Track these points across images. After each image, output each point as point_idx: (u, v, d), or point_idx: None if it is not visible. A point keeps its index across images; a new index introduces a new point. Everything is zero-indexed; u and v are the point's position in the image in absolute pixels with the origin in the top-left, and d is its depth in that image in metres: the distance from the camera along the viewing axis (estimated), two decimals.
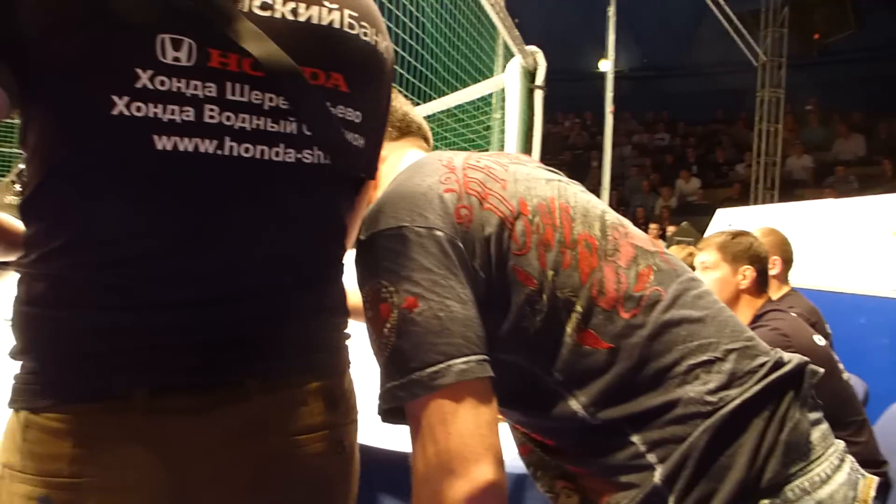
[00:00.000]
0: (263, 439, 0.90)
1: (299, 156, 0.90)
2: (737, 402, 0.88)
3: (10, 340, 0.86)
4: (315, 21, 0.90)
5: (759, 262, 2.46)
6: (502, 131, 3.85)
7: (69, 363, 0.83)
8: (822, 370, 0.97)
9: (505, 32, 3.27)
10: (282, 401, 0.92)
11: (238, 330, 0.89)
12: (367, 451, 1.08)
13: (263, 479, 0.89)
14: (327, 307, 1.01)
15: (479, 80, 4.22)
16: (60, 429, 0.81)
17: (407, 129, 1.30)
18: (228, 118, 0.83)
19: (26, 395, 0.83)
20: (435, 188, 0.95)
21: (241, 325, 0.89)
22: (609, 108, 8.70)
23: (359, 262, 0.95)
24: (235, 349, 0.88)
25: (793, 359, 0.95)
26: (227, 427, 0.87)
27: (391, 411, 0.90)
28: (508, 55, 3.81)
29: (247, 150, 0.85)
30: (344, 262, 1.05)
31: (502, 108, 3.99)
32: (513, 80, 3.43)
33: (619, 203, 14.61)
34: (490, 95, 4.52)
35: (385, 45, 1.02)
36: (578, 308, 0.93)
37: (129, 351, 0.83)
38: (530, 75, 3.54)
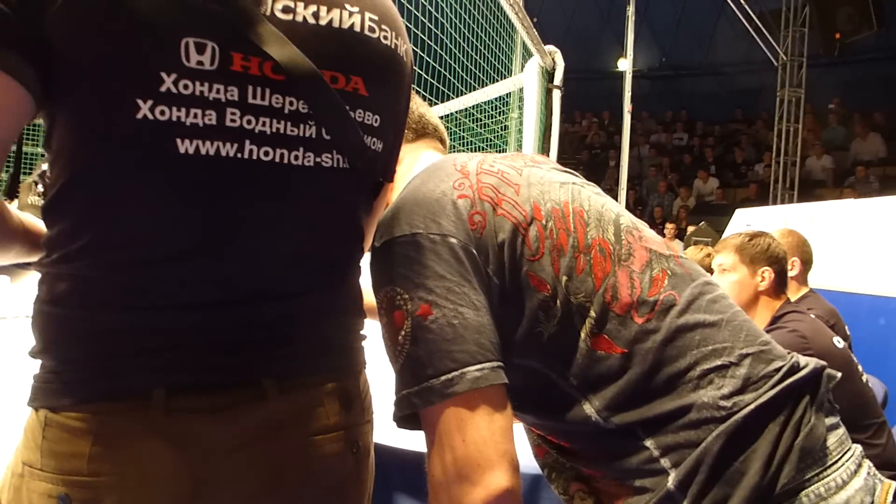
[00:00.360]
0: (280, 439, 0.90)
1: (318, 159, 0.90)
2: (751, 407, 0.87)
3: (30, 339, 0.87)
4: (336, 24, 0.90)
5: (778, 264, 2.44)
6: (520, 131, 3.85)
7: (89, 363, 0.83)
8: (838, 374, 0.96)
9: (523, 32, 3.27)
10: (298, 401, 0.92)
11: (256, 331, 0.90)
12: (383, 450, 1.09)
13: (279, 478, 0.90)
14: (344, 308, 1.02)
15: (497, 80, 4.22)
16: (80, 428, 0.81)
17: (423, 131, 1.30)
18: (249, 122, 0.84)
19: (46, 394, 0.84)
20: (448, 194, 0.95)
21: (258, 326, 0.90)
22: (627, 107, 8.65)
23: (374, 268, 0.96)
24: (253, 350, 0.89)
25: (809, 363, 0.94)
26: (243, 427, 0.87)
27: (407, 417, 0.90)
28: (527, 55, 3.81)
29: (266, 153, 0.85)
30: (361, 263, 1.06)
31: (520, 107, 3.99)
32: (531, 79, 3.43)
33: (637, 203, 14.53)
34: (508, 95, 4.52)
35: (405, 48, 1.02)
36: (592, 313, 0.93)
37: (148, 351, 0.84)
38: (548, 75, 3.54)
